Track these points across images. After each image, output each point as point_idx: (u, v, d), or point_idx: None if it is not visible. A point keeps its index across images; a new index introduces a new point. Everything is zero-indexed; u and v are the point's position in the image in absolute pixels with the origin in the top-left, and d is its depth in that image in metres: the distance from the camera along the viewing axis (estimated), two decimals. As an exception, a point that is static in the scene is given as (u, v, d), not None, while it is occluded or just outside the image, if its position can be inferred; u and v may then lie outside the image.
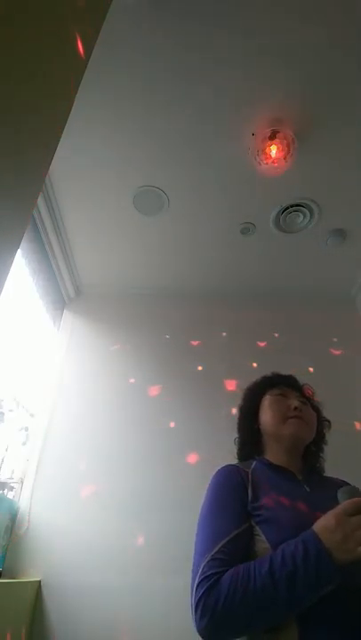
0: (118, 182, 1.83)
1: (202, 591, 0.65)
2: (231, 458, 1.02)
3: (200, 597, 0.64)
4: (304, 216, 1.94)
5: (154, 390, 2.08)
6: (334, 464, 1.76)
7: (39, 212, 1.87)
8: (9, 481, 1.83)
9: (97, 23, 1.01)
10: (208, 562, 0.68)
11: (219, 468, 0.88)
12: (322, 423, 1.02)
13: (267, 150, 1.60)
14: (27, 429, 2.05)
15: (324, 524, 0.64)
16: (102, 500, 1.76)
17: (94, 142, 1.66)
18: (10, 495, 1.80)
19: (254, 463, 0.91)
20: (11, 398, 1.98)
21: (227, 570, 0.66)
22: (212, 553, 0.69)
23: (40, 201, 1.83)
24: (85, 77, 0.97)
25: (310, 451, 0.97)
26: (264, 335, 2.30)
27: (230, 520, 0.74)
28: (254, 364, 2.15)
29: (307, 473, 0.91)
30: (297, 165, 1.67)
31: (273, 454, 0.93)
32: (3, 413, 1.92)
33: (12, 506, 1.74)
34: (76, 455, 1.88)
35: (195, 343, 2.26)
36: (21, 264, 1.96)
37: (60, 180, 1.83)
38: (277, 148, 1.59)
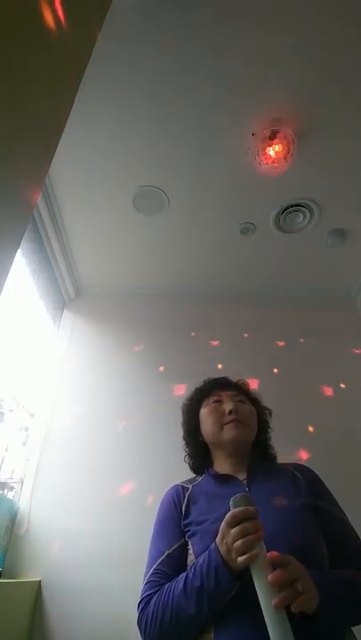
0: (118, 182, 1.83)
1: (138, 612, 0.74)
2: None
3: (138, 618, 0.73)
4: (304, 216, 1.94)
5: (154, 390, 2.08)
6: (336, 462, 1.76)
7: (39, 212, 1.87)
8: (9, 481, 1.83)
9: (98, 21, 1.01)
10: (145, 584, 0.76)
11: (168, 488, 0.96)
12: (263, 412, 1.05)
13: (267, 150, 1.60)
14: (27, 429, 2.05)
15: (218, 535, 0.67)
16: (102, 500, 1.76)
17: (94, 142, 1.66)
18: (10, 495, 1.80)
19: (202, 477, 0.96)
20: (11, 398, 1.98)
21: (158, 590, 0.74)
22: (148, 576, 0.77)
23: (40, 201, 1.83)
24: (86, 77, 0.97)
25: (257, 442, 1.00)
26: (264, 335, 2.30)
27: (164, 541, 0.82)
28: (255, 364, 2.14)
29: (254, 469, 0.92)
30: (297, 165, 1.67)
31: (219, 462, 0.97)
32: (3, 413, 1.92)
33: (12, 506, 1.74)
34: (76, 455, 1.88)
35: (195, 343, 2.26)
36: (21, 264, 1.96)
37: (60, 180, 1.83)
38: (277, 148, 1.59)
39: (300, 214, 1.94)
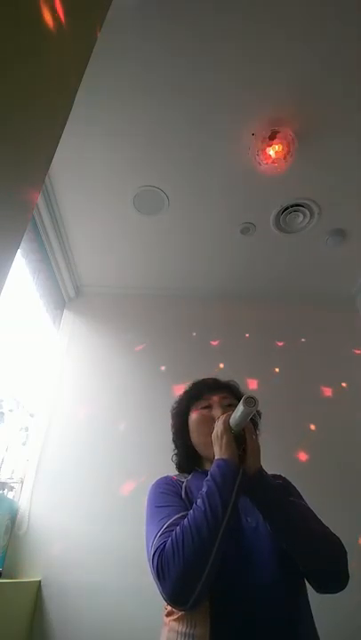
0: (118, 182, 1.83)
1: (155, 561, 0.68)
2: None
3: (157, 561, 0.68)
4: (304, 216, 1.94)
5: (154, 391, 2.08)
6: (336, 462, 1.76)
7: (39, 212, 1.87)
8: (9, 481, 1.83)
9: (98, 22, 1.01)
10: (160, 536, 0.72)
11: (157, 478, 0.93)
12: (253, 415, 1.01)
13: (267, 150, 1.60)
14: (27, 429, 2.05)
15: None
16: (102, 500, 1.76)
17: (94, 142, 1.66)
18: (10, 495, 1.80)
19: (191, 475, 0.94)
20: (11, 398, 1.98)
21: None
22: (162, 529, 0.73)
23: (40, 201, 1.83)
24: (85, 77, 0.97)
25: None
26: (264, 335, 2.30)
27: (175, 509, 0.79)
28: (255, 364, 2.15)
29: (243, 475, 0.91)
30: (297, 165, 1.67)
31: (210, 464, 0.92)
32: (3, 413, 1.93)
33: (12, 506, 1.74)
34: (76, 455, 1.88)
35: (195, 343, 2.26)
36: (21, 264, 1.96)
37: (60, 179, 1.83)
38: (277, 148, 1.59)
39: (300, 214, 1.94)
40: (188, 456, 1.00)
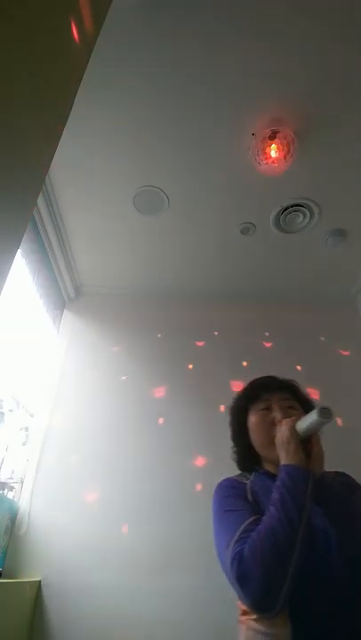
0: (118, 182, 1.83)
1: (235, 569, 0.68)
2: (231, 460, 1.02)
3: (237, 568, 0.68)
4: (304, 216, 1.94)
5: (154, 391, 2.08)
6: (336, 461, 1.74)
7: (39, 212, 1.87)
8: (9, 481, 1.83)
9: (98, 22, 1.01)
10: (235, 542, 0.72)
11: (220, 480, 0.91)
12: None
13: (267, 150, 1.60)
14: (27, 429, 2.05)
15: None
16: (102, 500, 1.76)
17: (94, 142, 1.66)
18: (10, 495, 1.80)
19: (253, 475, 0.93)
20: (11, 398, 1.98)
21: None
22: (238, 534, 0.73)
23: (40, 201, 1.83)
24: (86, 77, 0.97)
25: None
26: (264, 335, 2.30)
27: (244, 514, 0.78)
28: (255, 365, 2.15)
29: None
30: (297, 165, 1.67)
31: (271, 464, 0.92)
32: (3, 413, 1.92)
33: (12, 506, 1.74)
34: (75, 455, 1.88)
35: (195, 343, 2.26)
36: (21, 264, 1.96)
37: (61, 179, 1.83)
38: (277, 148, 1.58)
39: (300, 214, 1.94)
40: (248, 456, 0.98)
